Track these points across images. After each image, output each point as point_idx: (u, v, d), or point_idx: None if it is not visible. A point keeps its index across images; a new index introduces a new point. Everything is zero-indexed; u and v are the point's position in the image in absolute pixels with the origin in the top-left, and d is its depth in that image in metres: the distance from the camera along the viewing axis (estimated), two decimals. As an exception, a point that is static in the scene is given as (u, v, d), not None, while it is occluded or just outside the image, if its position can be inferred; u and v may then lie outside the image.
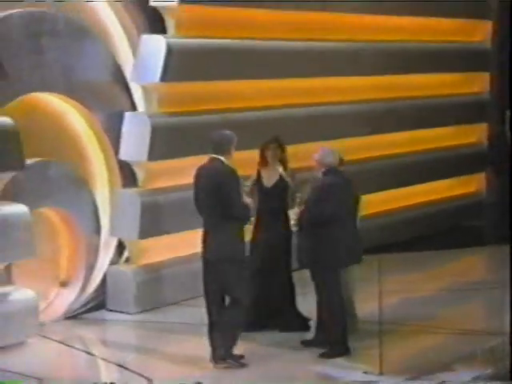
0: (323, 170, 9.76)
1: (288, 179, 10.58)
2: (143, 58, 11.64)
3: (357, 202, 10.29)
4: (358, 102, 14.79)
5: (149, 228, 11.59)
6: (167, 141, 11.78)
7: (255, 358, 9.93)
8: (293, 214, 10.02)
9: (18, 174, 10.15)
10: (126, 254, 11.65)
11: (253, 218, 10.19)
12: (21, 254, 9.97)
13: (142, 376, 9.50)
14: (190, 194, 10.68)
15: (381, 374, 9.52)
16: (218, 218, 9.50)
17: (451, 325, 11.51)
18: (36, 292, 10.67)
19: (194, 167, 11.18)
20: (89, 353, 10.51)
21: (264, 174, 10.67)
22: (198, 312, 10.63)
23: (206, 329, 9.93)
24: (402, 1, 15.45)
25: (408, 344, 10.91)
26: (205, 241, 9.50)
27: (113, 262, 11.62)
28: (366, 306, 11.82)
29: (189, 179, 11.08)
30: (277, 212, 10.61)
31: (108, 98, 11.55)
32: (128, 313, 11.37)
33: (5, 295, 9.87)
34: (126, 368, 9.79)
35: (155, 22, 12.00)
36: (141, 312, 11.46)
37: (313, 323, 10.50)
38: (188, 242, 11.94)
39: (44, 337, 10.31)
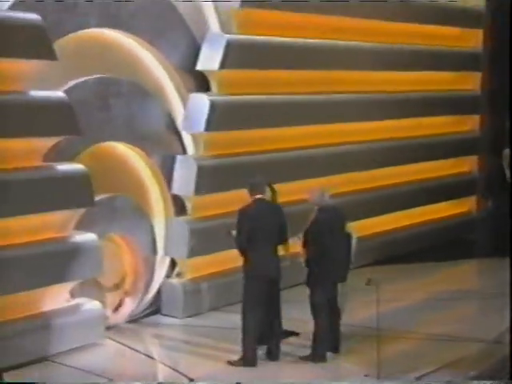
0: (317, 207, 9.65)
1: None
2: (191, 112, 11.70)
3: (347, 234, 10.12)
4: (362, 142, 14.39)
5: (195, 249, 11.56)
6: (210, 178, 11.72)
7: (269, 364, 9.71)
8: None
9: (90, 208, 10.24)
10: (176, 269, 11.57)
11: None
12: (90, 273, 10.07)
13: (185, 376, 9.35)
14: (228, 220, 10.72)
15: (379, 376, 9.20)
16: (276, 244, 9.65)
17: (440, 331, 11.04)
18: (105, 301, 10.65)
19: (232, 199, 11.63)
20: (143, 353, 10.30)
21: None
22: (233, 317, 10.51)
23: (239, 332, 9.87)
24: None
25: (403, 348, 10.48)
26: (263, 262, 9.52)
27: (166, 276, 11.60)
28: (365, 312, 11.33)
29: (228, 209, 11.48)
30: None
31: (163, 144, 11.59)
32: (177, 317, 11.32)
33: (78, 306, 9.97)
34: (173, 368, 9.67)
35: (201, 83, 11.93)
36: (188, 317, 11.37)
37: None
38: (223, 260, 11.96)
39: (110, 338, 10.34)
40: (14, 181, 9.39)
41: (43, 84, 9.71)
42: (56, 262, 9.72)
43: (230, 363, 9.60)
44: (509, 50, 15.66)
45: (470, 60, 16.76)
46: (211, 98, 11.69)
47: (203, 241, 11.65)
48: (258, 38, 12.40)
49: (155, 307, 11.48)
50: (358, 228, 13.59)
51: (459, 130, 16.71)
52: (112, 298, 10.93)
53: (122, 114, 10.96)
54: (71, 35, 10.25)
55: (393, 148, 15.01)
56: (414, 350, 10.46)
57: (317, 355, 9.60)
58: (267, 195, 10.11)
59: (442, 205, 16.31)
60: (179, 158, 11.59)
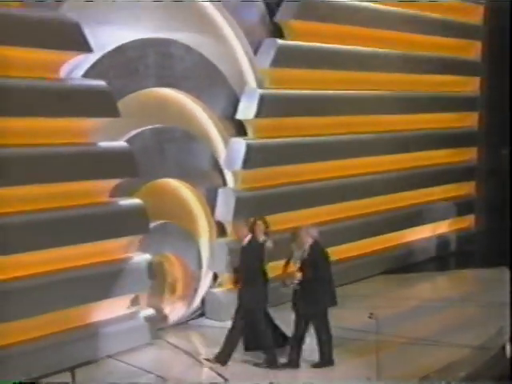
0: (309, 243, 9.35)
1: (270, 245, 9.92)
2: (231, 153, 11.72)
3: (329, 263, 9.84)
4: (378, 173, 14.20)
5: (233, 264, 11.07)
6: (246, 207, 11.57)
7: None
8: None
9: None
10: (218, 280, 11.55)
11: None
12: (144, 287, 10.16)
13: (221, 376, 9.17)
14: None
15: (380, 379, 8.78)
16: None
17: (430, 336, 10.60)
18: (160, 307, 10.72)
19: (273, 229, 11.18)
20: (188, 351, 10.15)
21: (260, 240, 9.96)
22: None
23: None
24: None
25: (396, 352, 10.01)
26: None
27: (210, 286, 11.53)
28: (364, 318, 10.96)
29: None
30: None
31: (208, 179, 11.50)
32: (218, 320, 11.19)
33: (135, 312, 10.03)
34: (211, 368, 9.46)
35: (240, 129, 11.90)
36: (227, 320, 10.89)
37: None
38: None
39: (162, 338, 10.36)
40: (88, 213, 9.47)
41: (109, 135, 9.79)
42: (119, 279, 9.77)
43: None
44: (509, 93, 15.16)
45: (467, 102, 16.50)
46: (247, 141, 11.69)
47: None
48: (286, 91, 12.29)
49: (200, 312, 11.46)
50: (376, 242, 14.10)
51: (459, 160, 16.30)
52: (165, 305, 10.91)
53: (174, 155, 10.95)
54: (132, 95, 10.32)
55: (400, 177, 14.70)
56: (406, 354, 10.03)
57: (325, 360, 9.43)
58: (261, 229, 9.89)
59: (445, 222, 15.94)
60: (221, 190, 11.54)
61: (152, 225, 10.45)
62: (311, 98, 12.76)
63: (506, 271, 13.74)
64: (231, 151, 11.67)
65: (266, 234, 9.97)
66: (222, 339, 9.84)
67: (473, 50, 16.58)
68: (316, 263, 9.35)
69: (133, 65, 10.34)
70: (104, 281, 9.58)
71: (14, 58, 8.69)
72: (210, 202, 11.50)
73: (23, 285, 8.77)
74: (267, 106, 11.90)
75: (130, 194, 10.10)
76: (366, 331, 10.04)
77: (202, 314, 11.45)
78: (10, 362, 8.67)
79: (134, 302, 10.15)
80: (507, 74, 15.40)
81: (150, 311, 10.20)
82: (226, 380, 8.96)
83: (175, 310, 11.08)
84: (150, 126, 10.61)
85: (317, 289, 9.29)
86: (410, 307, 12.19)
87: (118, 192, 9.90)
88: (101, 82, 9.49)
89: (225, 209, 11.50)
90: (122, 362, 9.52)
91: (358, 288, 13.03)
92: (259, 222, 9.94)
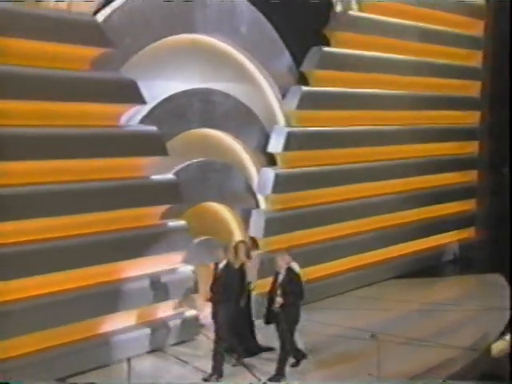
0: (284, 267, 8.69)
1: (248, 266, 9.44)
2: (263, 180, 11.70)
3: None
4: (389, 194, 13.95)
5: (263, 273, 10.84)
6: (275, 225, 11.52)
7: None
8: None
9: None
10: (251, 286, 10.52)
11: None
12: (187, 293, 10.12)
13: (254, 375, 8.87)
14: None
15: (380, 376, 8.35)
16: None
17: (425, 337, 10.19)
18: (199, 308, 10.49)
19: (289, 239, 11.57)
20: None
21: (235, 262, 9.35)
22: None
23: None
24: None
25: (400, 352, 9.62)
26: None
27: None
28: (366, 319, 10.98)
29: (286, 245, 11.15)
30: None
31: (244, 202, 11.42)
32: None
33: (181, 313, 9.98)
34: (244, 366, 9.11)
35: (270, 160, 11.85)
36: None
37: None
38: None
39: (201, 333, 10.17)
40: (142, 234, 9.52)
41: (160, 170, 9.80)
42: (167, 287, 9.79)
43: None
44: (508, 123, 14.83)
45: (469, 133, 16.25)
46: (276, 170, 11.67)
47: (269, 267, 10.93)
48: (309, 129, 12.23)
49: None
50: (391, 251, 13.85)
51: (462, 180, 15.99)
52: (203, 306, 10.52)
53: (215, 183, 10.94)
54: (181, 135, 10.45)
55: (414, 196, 14.53)
56: (403, 353, 9.62)
57: (280, 373, 8.61)
58: (242, 251, 9.43)
59: (449, 234, 15.58)
60: (254, 211, 11.50)
61: (196, 240, 10.53)
62: (331, 133, 12.66)
63: (500, 277, 13.67)
64: (263, 179, 11.64)
65: (248, 255, 9.54)
66: (260, 332, 9.58)
67: (473, 88, 16.19)
68: (290, 287, 8.63)
69: (180, 111, 10.43)
70: (157, 287, 9.62)
71: (85, 111, 8.97)
72: (245, 221, 11.43)
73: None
74: (293, 142, 11.89)
75: (179, 215, 10.06)
76: (366, 330, 9.86)
77: None
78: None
79: (179, 304, 10.12)
80: (505, 106, 15.16)
81: (193, 312, 10.15)
82: (259, 379, 8.57)
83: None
84: (195, 160, 10.65)
85: (291, 310, 8.62)
86: (411, 310, 11.81)
87: (169, 214, 9.89)
88: (153, 128, 9.66)
89: (257, 226, 11.43)
90: (168, 354, 9.50)
91: (371, 290, 12.85)
92: (240, 245, 9.56)
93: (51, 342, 8.48)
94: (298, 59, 12.28)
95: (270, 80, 11.87)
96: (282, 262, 8.78)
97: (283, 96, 12.06)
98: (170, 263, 9.91)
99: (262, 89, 11.86)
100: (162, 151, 9.68)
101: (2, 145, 8.04)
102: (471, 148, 16.31)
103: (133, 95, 9.30)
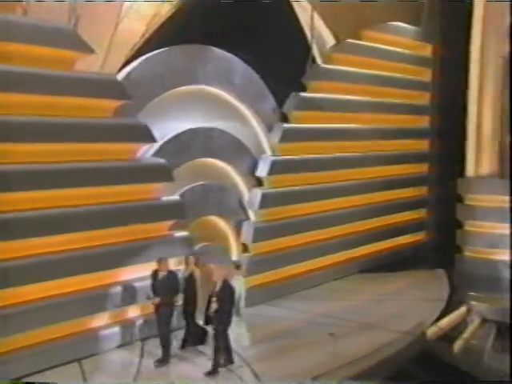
0: (221, 280, 8.25)
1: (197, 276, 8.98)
2: (252, 198, 11.55)
3: None
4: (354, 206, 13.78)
5: (253, 270, 11.18)
6: (262, 234, 11.53)
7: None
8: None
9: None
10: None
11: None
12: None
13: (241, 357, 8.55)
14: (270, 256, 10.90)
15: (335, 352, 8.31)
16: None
17: (371, 322, 10.09)
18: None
19: (272, 245, 11.59)
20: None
21: (186, 271, 9.08)
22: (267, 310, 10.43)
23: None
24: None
25: (353, 334, 9.55)
26: None
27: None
28: (332, 307, 10.80)
29: (270, 249, 11.51)
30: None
31: (237, 215, 11.36)
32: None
33: None
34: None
35: (258, 182, 11.71)
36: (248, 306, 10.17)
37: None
38: (269, 276, 11.58)
39: None
40: (153, 243, 9.43)
41: (166, 191, 9.83)
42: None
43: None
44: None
45: (420, 157, 15.95)
46: (262, 191, 11.65)
47: (257, 268, 11.40)
48: (289, 157, 12.18)
49: None
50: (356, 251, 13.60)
51: (415, 194, 15.82)
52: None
53: (214, 201, 10.90)
54: (186, 164, 10.39)
55: (377, 208, 14.39)
56: (355, 335, 9.53)
57: (215, 369, 8.20)
58: (191, 263, 9.03)
59: (404, 237, 15.39)
60: (245, 222, 11.49)
61: (198, 246, 10.42)
62: (306, 160, 12.62)
63: (443, 273, 13.61)
64: (252, 197, 11.65)
65: (197, 266, 9.04)
66: (248, 319, 9.23)
67: (423, 121, 15.97)
68: (224, 295, 8.22)
69: (186, 145, 10.37)
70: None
71: (110, 149, 9.06)
72: (238, 230, 11.41)
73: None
74: (276, 167, 11.88)
75: (184, 227, 10.03)
76: (331, 317, 10.14)
77: None
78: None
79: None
80: (449, 136, 15.19)
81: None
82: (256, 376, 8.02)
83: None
84: (198, 183, 10.67)
85: (224, 315, 8.20)
86: (366, 299, 11.68)
87: (175, 227, 9.88)
88: (162, 160, 9.74)
89: (247, 234, 11.45)
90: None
91: (339, 283, 12.75)
92: (191, 257, 9.11)
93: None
94: (280, 102, 12.32)
95: (258, 119, 11.90)
96: (219, 275, 8.30)
97: (269, 131, 12.05)
98: (178, 264, 9.68)
99: (252, 126, 11.88)
100: (169, 178, 9.78)
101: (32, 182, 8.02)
102: (423, 168, 16.12)
103: (146, 136, 9.46)
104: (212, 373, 8.15)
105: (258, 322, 9.98)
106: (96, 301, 8.81)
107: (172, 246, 9.81)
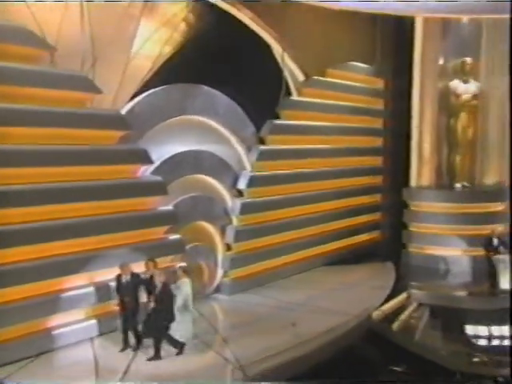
0: (161, 282, 7.92)
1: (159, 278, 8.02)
2: (234, 206, 11.48)
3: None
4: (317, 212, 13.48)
5: (235, 266, 11.21)
6: (242, 235, 11.39)
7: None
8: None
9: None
10: (225, 274, 11.14)
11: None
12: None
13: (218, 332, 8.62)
14: (250, 252, 11.10)
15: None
16: None
17: (327, 307, 10.05)
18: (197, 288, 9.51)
19: (251, 245, 11.44)
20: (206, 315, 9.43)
21: (146, 274, 8.28)
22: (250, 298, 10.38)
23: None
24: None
25: (314, 318, 9.44)
26: None
27: (222, 277, 11.13)
28: (298, 295, 10.57)
29: (249, 247, 11.43)
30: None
31: (222, 220, 11.14)
32: (226, 295, 10.87)
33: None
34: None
35: (240, 193, 11.54)
36: (230, 295, 10.82)
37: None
38: (250, 269, 11.52)
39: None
40: (150, 244, 9.23)
41: (163, 203, 9.73)
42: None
43: None
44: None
45: (375, 171, 15.87)
46: (242, 200, 11.54)
47: (239, 263, 11.37)
48: (265, 173, 12.07)
49: (217, 290, 11.12)
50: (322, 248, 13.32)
51: (372, 201, 15.72)
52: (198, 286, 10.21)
53: (203, 209, 10.80)
54: (179, 180, 10.29)
55: (336, 212, 14.03)
56: (315, 318, 9.38)
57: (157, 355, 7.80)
58: (150, 266, 8.27)
59: (363, 235, 15.22)
60: (228, 226, 11.34)
61: (188, 246, 10.29)
62: (279, 175, 12.52)
63: (392, 265, 13.56)
64: (234, 205, 11.52)
65: (156, 268, 8.31)
66: (230, 305, 9.60)
67: (378, 142, 15.83)
68: (161, 296, 7.86)
69: (179, 165, 10.27)
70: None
71: (115, 170, 9.10)
72: (223, 233, 11.27)
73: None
74: (254, 181, 11.77)
75: (176, 231, 9.88)
76: (298, 303, 10.12)
77: (218, 291, 11.13)
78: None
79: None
80: (398, 154, 15.23)
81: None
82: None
83: (204, 290, 10.78)
84: (189, 195, 10.54)
85: (161, 313, 7.86)
86: (327, 288, 11.63)
87: (169, 230, 9.75)
88: (158, 177, 9.68)
89: (230, 236, 11.34)
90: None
91: (307, 274, 12.53)
92: (149, 262, 8.34)
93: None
94: (258, 128, 12.11)
95: (240, 142, 11.77)
96: (159, 279, 7.95)
97: (248, 152, 11.90)
98: (170, 263, 9.61)
99: (235, 148, 11.73)
100: (164, 192, 9.73)
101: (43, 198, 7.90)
102: (377, 180, 16.02)
103: (145, 158, 9.46)
104: (154, 358, 7.73)
105: (238, 307, 10.16)
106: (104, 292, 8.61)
107: (167, 247, 9.78)
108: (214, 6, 10.84)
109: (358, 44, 14.64)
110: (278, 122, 12.55)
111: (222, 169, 11.39)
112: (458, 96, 13.65)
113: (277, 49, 12.85)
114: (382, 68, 15.38)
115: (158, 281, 7.87)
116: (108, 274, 8.43)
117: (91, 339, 8.28)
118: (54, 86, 8.23)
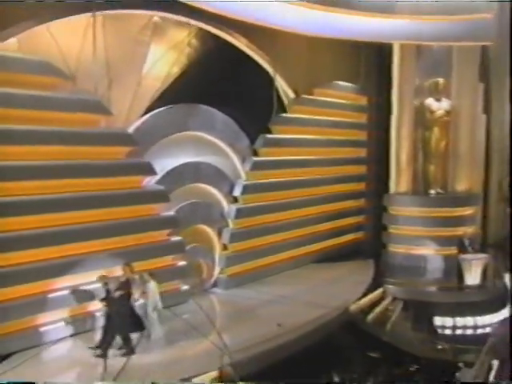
0: (123, 279, 7.95)
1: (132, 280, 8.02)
2: (230, 211, 11.50)
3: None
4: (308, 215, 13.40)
5: (230, 265, 11.24)
6: (237, 237, 11.43)
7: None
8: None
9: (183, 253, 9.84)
10: (222, 271, 11.23)
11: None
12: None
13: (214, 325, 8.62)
14: (243, 253, 11.08)
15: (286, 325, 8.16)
16: None
17: (312, 300, 9.98)
18: (195, 284, 10.24)
19: (246, 245, 11.49)
20: (203, 308, 9.64)
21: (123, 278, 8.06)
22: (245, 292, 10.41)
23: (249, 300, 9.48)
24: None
25: (299, 310, 9.45)
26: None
27: (219, 273, 11.28)
28: (287, 289, 10.55)
29: (243, 247, 11.49)
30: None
31: (220, 223, 11.24)
32: (223, 290, 10.99)
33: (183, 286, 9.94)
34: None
35: (235, 199, 11.57)
36: (226, 289, 10.94)
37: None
38: (245, 267, 11.58)
39: (192, 300, 9.74)
40: (154, 246, 9.45)
41: (165, 209, 9.84)
42: (174, 273, 9.73)
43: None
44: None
45: (360, 177, 15.58)
46: (237, 206, 11.61)
47: (234, 261, 11.49)
48: (258, 181, 12.10)
49: (215, 285, 11.27)
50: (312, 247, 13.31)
51: (355, 205, 15.28)
52: (198, 282, 10.65)
53: (202, 214, 10.94)
54: (181, 188, 10.47)
55: (323, 215, 13.91)
56: (301, 311, 9.42)
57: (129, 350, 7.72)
58: (127, 270, 8.11)
59: (348, 236, 14.99)
60: (224, 229, 11.46)
61: (189, 246, 10.44)
62: (271, 184, 12.51)
63: (372, 262, 13.58)
64: (230, 210, 11.61)
65: (133, 273, 8.15)
66: (225, 299, 9.65)
67: (362, 152, 15.52)
68: (120, 297, 7.79)
69: (180, 175, 10.49)
70: (165, 274, 9.27)
71: (123, 181, 9.35)
72: (220, 234, 11.40)
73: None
74: (248, 189, 11.85)
75: (177, 233, 10.03)
76: (286, 297, 10.18)
77: (215, 286, 11.26)
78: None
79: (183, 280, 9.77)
80: (380, 162, 15.06)
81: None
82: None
83: (203, 285, 11.00)
84: (189, 201, 10.71)
85: (120, 311, 7.76)
86: (314, 283, 11.67)
87: (171, 233, 9.94)
88: (161, 187, 9.87)
89: (226, 237, 11.47)
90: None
91: (296, 271, 12.51)
92: (125, 267, 8.13)
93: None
94: (252, 141, 12.22)
95: (236, 154, 11.86)
96: (116, 283, 7.91)
97: (243, 162, 12.01)
98: (172, 261, 9.95)
99: (231, 159, 11.84)
100: (166, 200, 9.93)
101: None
102: (361, 186, 15.58)
103: (149, 170, 9.69)
104: (128, 353, 7.64)
105: (232, 301, 10.27)
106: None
107: (169, 248, 10.00)
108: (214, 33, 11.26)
109: (344, 65, 14.80)
110: (270, 136, 12.63)
111: (219, 178, 11.51)
112: (432, 112, 13.94)
113: (269, 70, 13.10)
114: (365, 86, 15.51)
115: (116, 284, 7.77)
116: (116, 272, 8.62)
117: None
118: (73, 110, 8.67)
